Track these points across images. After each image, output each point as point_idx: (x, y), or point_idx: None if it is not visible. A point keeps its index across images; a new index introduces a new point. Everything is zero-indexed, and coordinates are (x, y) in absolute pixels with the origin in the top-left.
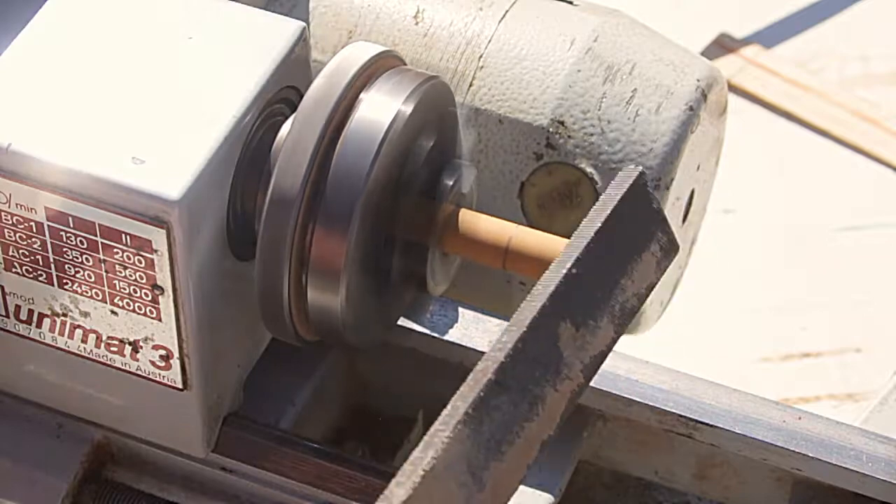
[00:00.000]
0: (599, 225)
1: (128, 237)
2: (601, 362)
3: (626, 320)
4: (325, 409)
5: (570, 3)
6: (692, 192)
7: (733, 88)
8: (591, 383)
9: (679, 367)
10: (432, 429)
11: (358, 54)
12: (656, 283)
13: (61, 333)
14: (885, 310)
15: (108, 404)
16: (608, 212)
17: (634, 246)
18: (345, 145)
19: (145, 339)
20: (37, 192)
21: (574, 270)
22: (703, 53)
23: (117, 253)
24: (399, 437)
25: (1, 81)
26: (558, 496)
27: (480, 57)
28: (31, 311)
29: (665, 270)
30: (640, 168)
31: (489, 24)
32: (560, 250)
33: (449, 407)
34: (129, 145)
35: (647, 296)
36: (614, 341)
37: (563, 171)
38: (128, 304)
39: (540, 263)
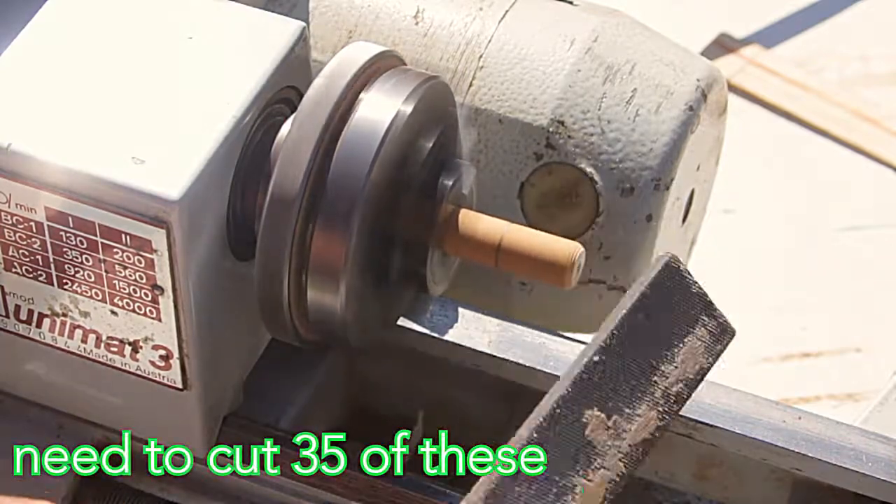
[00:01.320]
0: (624, 312)
1: (128, 237)
2: (647, 450)
3: (674, 406)
4: (325, 409)
5: (570, 3)
6: (692, 192)
7: (733, 88)
8: None
9: None
10: None
11: (358, 54)
12: (709, 368)
13: (61, 333)
14: (885, 310)
15: (108, 404)
16: (634, 299)
17: (675, 332)
18: (345, 145)
19: (145, 340)
20: (37, 192)
21: (597, 358)
22: (703, 53)
23: (117, 253)
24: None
25: (1, 81)
26: None
27: (480, 57)
28: (31, 311)
29: (719, 355)
30: (671, 254)
31: (489, 24)
32: (552, 249)
33: (464, 501)
34: (129, 145)
35: (700, 380)
36: (661, 428)
37: (563, 171)
38: (128, 304)
39: (531, 261)
